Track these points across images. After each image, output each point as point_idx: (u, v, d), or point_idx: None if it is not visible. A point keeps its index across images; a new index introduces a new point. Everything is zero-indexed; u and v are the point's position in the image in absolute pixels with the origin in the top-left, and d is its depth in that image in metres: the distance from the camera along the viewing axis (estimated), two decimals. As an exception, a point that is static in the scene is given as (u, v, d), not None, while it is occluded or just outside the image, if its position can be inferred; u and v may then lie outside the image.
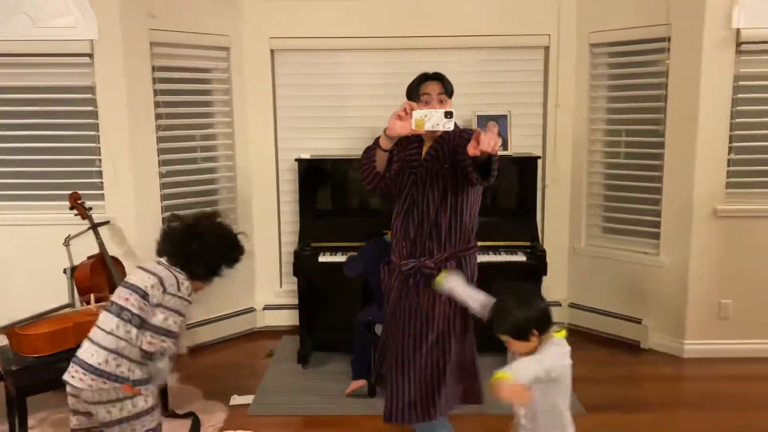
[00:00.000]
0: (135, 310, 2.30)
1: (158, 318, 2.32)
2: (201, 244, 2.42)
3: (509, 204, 4.05)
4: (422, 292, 2.46)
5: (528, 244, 3.83)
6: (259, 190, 4.45)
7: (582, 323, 4.49)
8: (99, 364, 2.26)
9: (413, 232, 2.47)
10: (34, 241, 3.86)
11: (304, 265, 3.74)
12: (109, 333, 2.29)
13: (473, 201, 2.50)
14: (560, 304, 4.54)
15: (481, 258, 3.70)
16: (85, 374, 2.26)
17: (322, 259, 3.73)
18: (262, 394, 3.53)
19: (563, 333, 2.18)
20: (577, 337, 4.42)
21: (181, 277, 2.41)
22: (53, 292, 3.52)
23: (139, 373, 2.32)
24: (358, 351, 3.49)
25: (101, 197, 3.89)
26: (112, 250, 3.85)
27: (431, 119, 2.25)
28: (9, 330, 2.98)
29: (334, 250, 3.77)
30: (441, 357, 2.47)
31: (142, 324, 2.31)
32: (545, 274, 3.75)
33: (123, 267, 3.79)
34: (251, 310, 4.54)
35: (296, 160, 4.05)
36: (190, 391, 3.59)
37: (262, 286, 4.53)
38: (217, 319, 4.36)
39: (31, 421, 2.93)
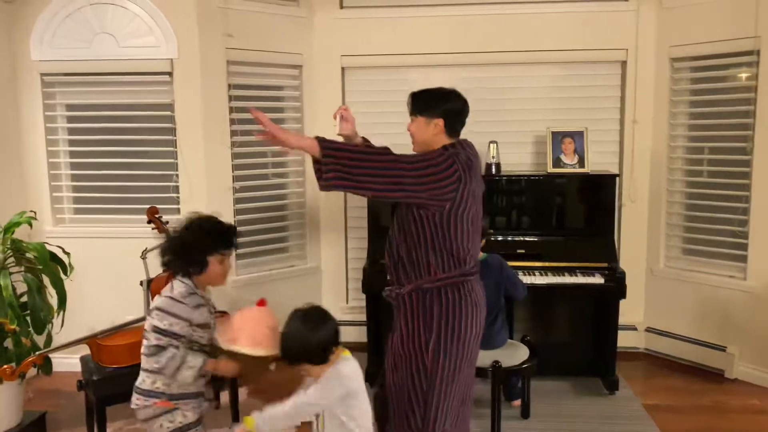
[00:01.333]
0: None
1: (152, 320, 2.31)
2: (180, 242, 2.40)
3: (585, 223, 3.92)
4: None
5: (605, 265, 3.69)
6: (326, 205, 4.46)
7: (660, 349, 4.29)
8: (139, 384, 2.37)
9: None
10: (113, 254, 3.97)
11: (372, 281, 3.71)
12: (142, 353, 2.34)
13: (434, 231, 2.29)
14: (636, 329, 4.35)
15: (556, 279, 3.59)
16: (134, 395, 2.38)
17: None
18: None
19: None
20: (654, 363, 4.23)
21: (176, 282, 2.40)
22: (131, 304, 3.60)
23: (176, 387, 2.34)
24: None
25: (177, 212, 3.98)
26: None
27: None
28: (91, 340, 3.05)
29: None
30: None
31: None
32: (624, 297, 3.60)
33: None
34: (318, 325, 4.53)
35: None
36: (258, 405, 3.58)
37: (329, 302, 4.52)
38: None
39: (109, 430, 2.99)
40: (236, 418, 3.30)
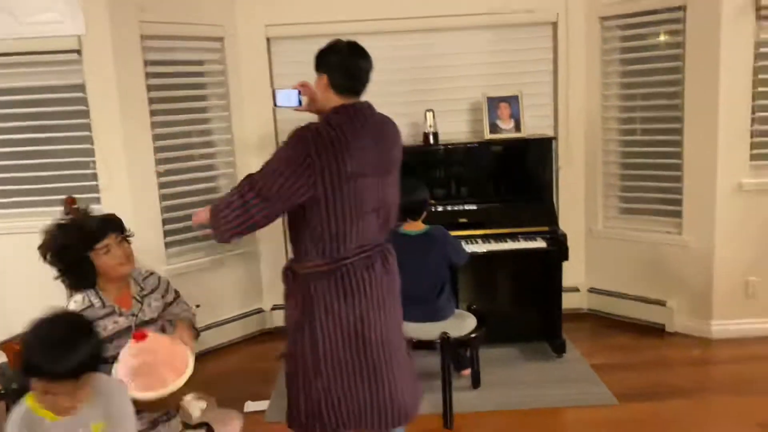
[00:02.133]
0: None
1: None
2: (53, 253, 2.31)
3: (525, 188, 3.88)
4: None
5: (547, 229, 3.67)
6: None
7: (603, 308, 4.34)
8: None
9: None
10: (29, 250, 3.66)
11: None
12: None
13: (309, 216, 2.11)
14: (578, 290, 4.38)
15: (499, 246, 3.55)
16: None
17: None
18: (277, 399, 3.36)
19: None
20: (598, 322, 4.27)
21: (73, 296, 2.34)
22: (53, 303, 3.33)
23: None
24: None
25: (98, 201, 3.71)
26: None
27: (278, 96, 2.36)
28: (6, 345, 2.80)
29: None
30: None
31: None
32: (566, 259, 3.59)
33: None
34: (259, 311, 4.38)
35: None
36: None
37: (270, 286, 4.35)
38: (223, 322, 4.19)
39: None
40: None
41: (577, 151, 4.25)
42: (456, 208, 3.77)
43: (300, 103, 2.30)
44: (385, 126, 2.23)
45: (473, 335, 3.09)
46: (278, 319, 4.37)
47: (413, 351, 3.20)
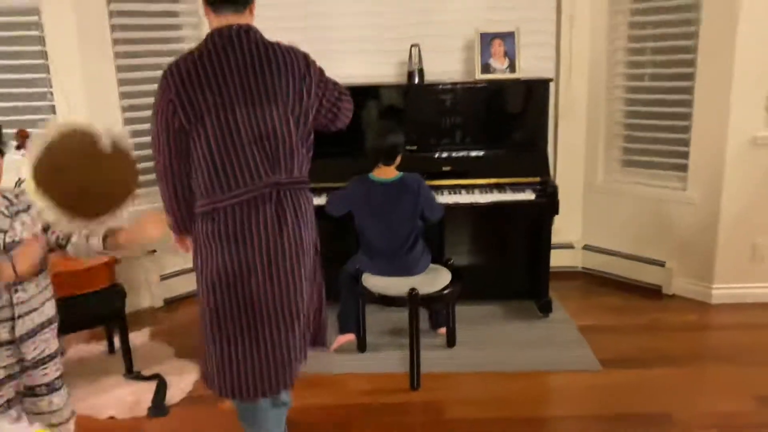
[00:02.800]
0: None
1: None
2: None
3: (516, 135, 3.56)
4: None
5: (537, 180, 3.37)
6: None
7: (597, 267, 4.08)
8: None
9: None
10: None
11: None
12: None
13: (194, 153, 1.94)
14: (573, 247, 4.11)
15: (485, 197, 3.27)
16: None
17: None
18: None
19: None
20: (591, 282, 4.02)
21: None
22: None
23: None
24: (345, 303, 3.11)
25: (56, 135, 3.47)
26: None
27: None
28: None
29: (317, 192, 3.30)
30: None
31: None
32: (557, 212, 3.31)
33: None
34: (234, 257, 4.16)
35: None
36: (161, 350, 3.25)
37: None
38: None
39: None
40: (130, 367, 2.95)
41: (579, 97, 3.90)
42: (439, 155, 3.48)
43: None
44: (274, 53, 1.95)
45: (446, 290, 2.85)
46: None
47: (382, 307, 3.06)
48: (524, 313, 3.51)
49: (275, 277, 1.95)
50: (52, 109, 3.44)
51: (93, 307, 2.80)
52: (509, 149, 3.50)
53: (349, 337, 3.10)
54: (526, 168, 3.41)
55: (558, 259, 3.97)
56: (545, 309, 3.44)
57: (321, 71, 2.07)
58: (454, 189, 3.35)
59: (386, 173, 2.86)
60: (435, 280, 2.88)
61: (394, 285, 2.82)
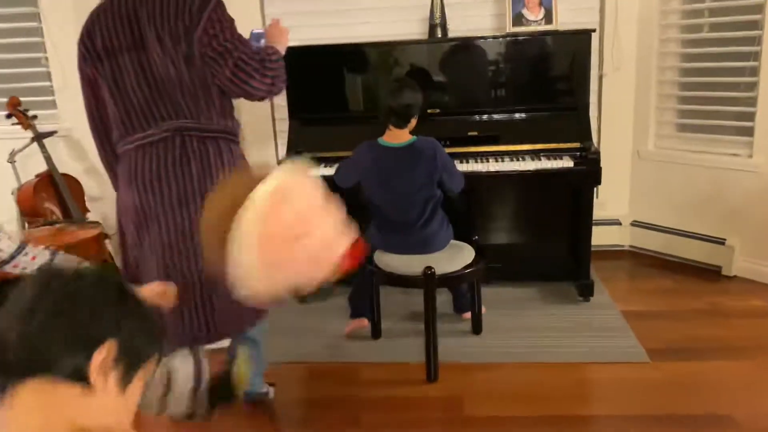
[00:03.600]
0: None
1: None
2: None
3: (553, 96, 3.16)
4: None
5: (577, 146, 2.98)
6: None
7: (647, 245, 3.65)
8: None
9: None
10: None
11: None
12: None
13: None
14: (620, 223, 3.69)
15: (517, 165, 2.90)
16: None
17: (317, 172, 3.00)
18: (244, 336, 2.91)
19: None
20: (639, 262, 3.59)
21: None
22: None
23: None
24: (357, 285, 2.81)
25: (53, 105, 3.26)
26: (69, 166, 3.26)
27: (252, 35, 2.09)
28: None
29: (332, 162, 2.99)
30: None
31: None
32: (598, 182, 2.91)
33: (80, 186, 3.19)
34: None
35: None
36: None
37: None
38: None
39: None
40: None
41: (627, 53, 3.46)
42: (467, 119, 3.11)
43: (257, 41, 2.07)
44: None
45: (468, 270, 2.51)
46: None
47: (400, 288, 2.73)
48: (562, 296, 3.13)
49: (174, 227, 1.83)
50: (48, 76, 3.22)
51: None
52: (545, 112, 3.09)
53: (362, 323, 2.79)
54: (564, 133, 3.01)
55: (602, 237, 3.57)
56: (586, 292, 3.05)
57: (220, 14, 1.84)
58: (481, 156, 2.98)
59: (398, 137, 2.52)
60: (455, 258, 2.53)
61: (408, 263, 2.49)
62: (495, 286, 3.20)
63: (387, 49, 3.16)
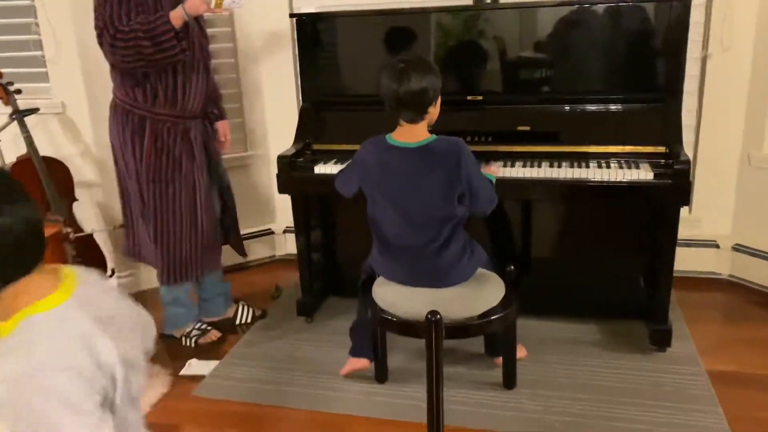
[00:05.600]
0: None
1: None
2: None
3: (632, 83, 2.41)
4: None
5: (662, 150, 2.26)
6: (268, 65, 3.18)
7: (752, 277, 2.87)
8: None
9: None
10: None
11: (294, 177, 2.48)
12: None
13: None
14: (718, 245, 2.91)
15: (576, 173, 2.24)
16: None
17: (320, 169, 2.45)
18: (227, 364, 2.44)
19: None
20: (741, 299, 2.81)
21: None
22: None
23: None
24: (359, 314, 2.25)
25: (45, 77, 2.88)
26: (64, 148, 2.90)
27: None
28: None
29: (346, 157, 2.41)
30: None
31: None
32: (686, 202, 2.18)
33: (67, 172, 2.80)
34: (269, 232, 3.43)
35: (292, 16, 2.72)
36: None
37: (284, 204, 3.35)
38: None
39: None
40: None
41: (742, 28, 2.65)
42: (515, 109, 2.45)
43: None
44: None
45: (491, 317, 1.89)
46: (292, 244, 3.39)
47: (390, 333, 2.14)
48: (628, 341, 2.45)
49: None
50: (39, 45, 2.84)
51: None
52: (621, 104, 2.37)
53: (360, 363, 2.24)
54: (645, 132, 2.30)
55: (693, 262, 2.84)
56: (661, 341, 2.35)
57: None
58: (532, 158, 2.33)
59: (410, 134, 1.92)
60: (475, 298, 1.92)
61: (411, 300, 1.91)
62: (543, 319, 2.57)
63: (420, 17, 2.52)
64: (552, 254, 2.62)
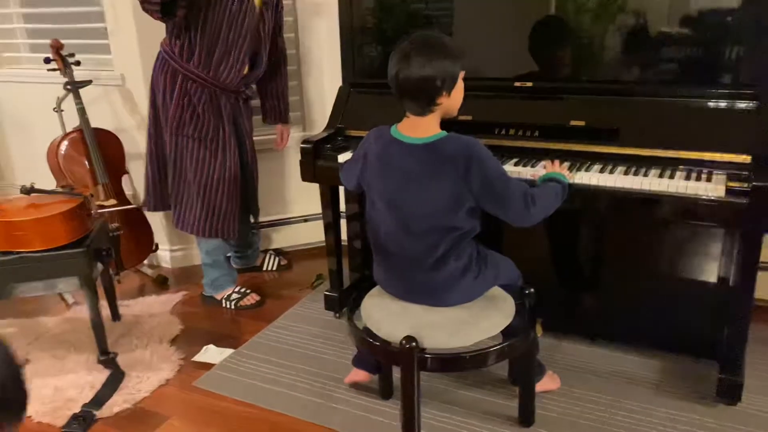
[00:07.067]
0: None
1: None
2: None
3: (710, 73, 1.92)
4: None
5: (744, 160, 1.80)
6: (329, 41, 3.00)
7: None
8: None
9: None
10: (25, 105, 3.15)
11: (318, 165, 2.30)
12: None
13: None
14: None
15: (631, 181, 1.87)
16: None
17: (344, 158, 2.24)
18: (239, 356, 2.35)
19: None
20: None
21: None
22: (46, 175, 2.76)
23: None
24: (365, 321, 2.05)
25: (107, 49, 2.92)
26: (124, 120, 2.94)
27: None
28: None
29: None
30: None
31: None
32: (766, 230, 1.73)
33: (119, 144, 2.85)
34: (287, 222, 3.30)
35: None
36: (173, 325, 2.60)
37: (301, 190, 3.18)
38: (278, 223, 3.23)
39: None
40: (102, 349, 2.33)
41: None
42: (568, 99, 2.08)
43: None
44: None
45: (490, 349, 1.61)
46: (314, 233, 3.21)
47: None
48: (690, 384, 2.04)
49: None
50: (101, 17, 2.87)
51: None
52: (698, 98, 1.92)
53: (360, 376, 2.04)
54: (725, 135, 1.85)
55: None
56: (730, 393, 1.92)
57: None
58: (583, 159, 1.97)
59: (417, 128, 1.65)
60: (473, 324, 1.64)
61: (398, 319, 1.67)
62: (593, 345, 2.22)
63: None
64: (595, 272, 2.25)
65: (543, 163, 1.96)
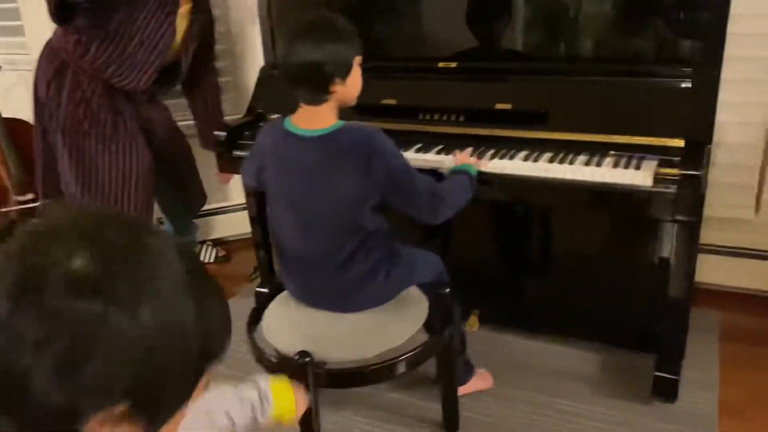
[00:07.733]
0: None
1: None
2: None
3: (652, 48, 1.79)
4: None
5: (678, 143, 1.66)
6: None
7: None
8: None
9: None
10: None
11: (237, 154, 2.14)
12: None
13: None
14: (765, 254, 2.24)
15: (556, 171, 1.73)
16: None
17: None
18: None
19: None
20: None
21: None
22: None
23: None
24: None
25: (20, 30, 2.72)
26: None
27: None
28: None
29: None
30: None
31: None
32: (696, 215, 1.60)
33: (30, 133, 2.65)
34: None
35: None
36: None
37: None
38: (218, 212, 3.09)
39: None
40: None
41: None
42: (494, 81, 1.93)
43: None
44: None
45: (397, 360, 1.48)
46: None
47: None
48: (631, 380, 1.94)
49: None
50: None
51: None
52: (626, 76, 1.77)
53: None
54: (656, 118, 1.71)
55: (751, 277, 2.20)
56: (664, 391, 1.82)
57: None
58: (508, 146, 1.82)
59: (311, 119, 1.50)
60: (382, 329, 1.51)
61: (298, 329, 1.54)
62: (531, 338, 2.12)
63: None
64: (551, 263, 2.13)
65: (453, 153, 1.82)
